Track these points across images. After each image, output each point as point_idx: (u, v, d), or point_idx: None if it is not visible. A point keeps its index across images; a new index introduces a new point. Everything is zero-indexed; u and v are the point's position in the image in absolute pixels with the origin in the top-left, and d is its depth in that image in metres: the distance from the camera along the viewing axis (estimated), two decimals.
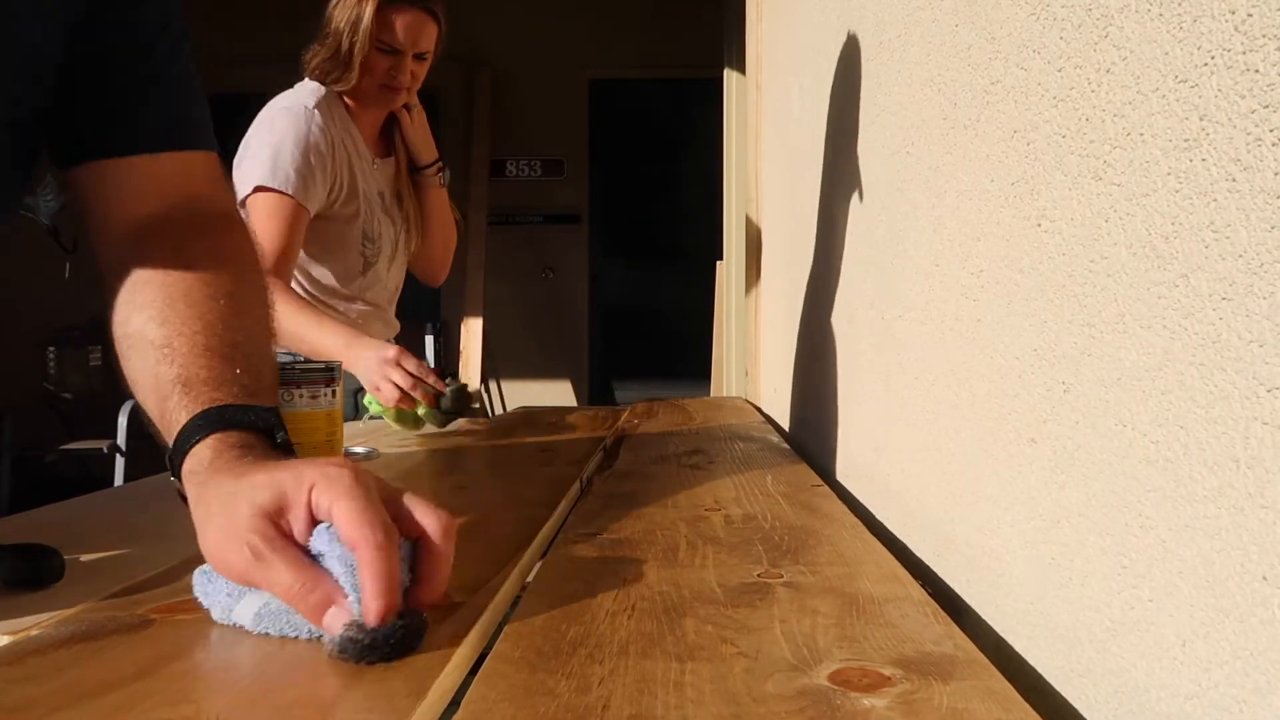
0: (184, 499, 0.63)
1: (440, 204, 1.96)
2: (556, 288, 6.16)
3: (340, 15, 1.74)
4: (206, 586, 0.61)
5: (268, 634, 0.57)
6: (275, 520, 0.56)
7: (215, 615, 0.60)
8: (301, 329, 1.59)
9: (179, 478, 0.64)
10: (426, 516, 0.58)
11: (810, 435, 1.64)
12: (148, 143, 0.82)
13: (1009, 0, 0.72)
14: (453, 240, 2.02)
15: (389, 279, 1.91)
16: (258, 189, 1.66)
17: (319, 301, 1.80)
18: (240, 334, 0.73)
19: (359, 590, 0.53)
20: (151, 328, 0.72)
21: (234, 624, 0.58)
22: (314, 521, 0.56)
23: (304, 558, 0.55)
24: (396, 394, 1.52)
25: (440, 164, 1.95)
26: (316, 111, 1.73)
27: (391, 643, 0.53)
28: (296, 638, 0.56)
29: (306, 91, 1.77)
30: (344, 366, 1.45)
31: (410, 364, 1.53)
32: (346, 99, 1.81)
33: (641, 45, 6.01)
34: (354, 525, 0.54)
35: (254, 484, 0.57)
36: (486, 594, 0.66)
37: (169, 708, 0.47)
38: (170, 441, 0.66)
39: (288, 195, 1.66)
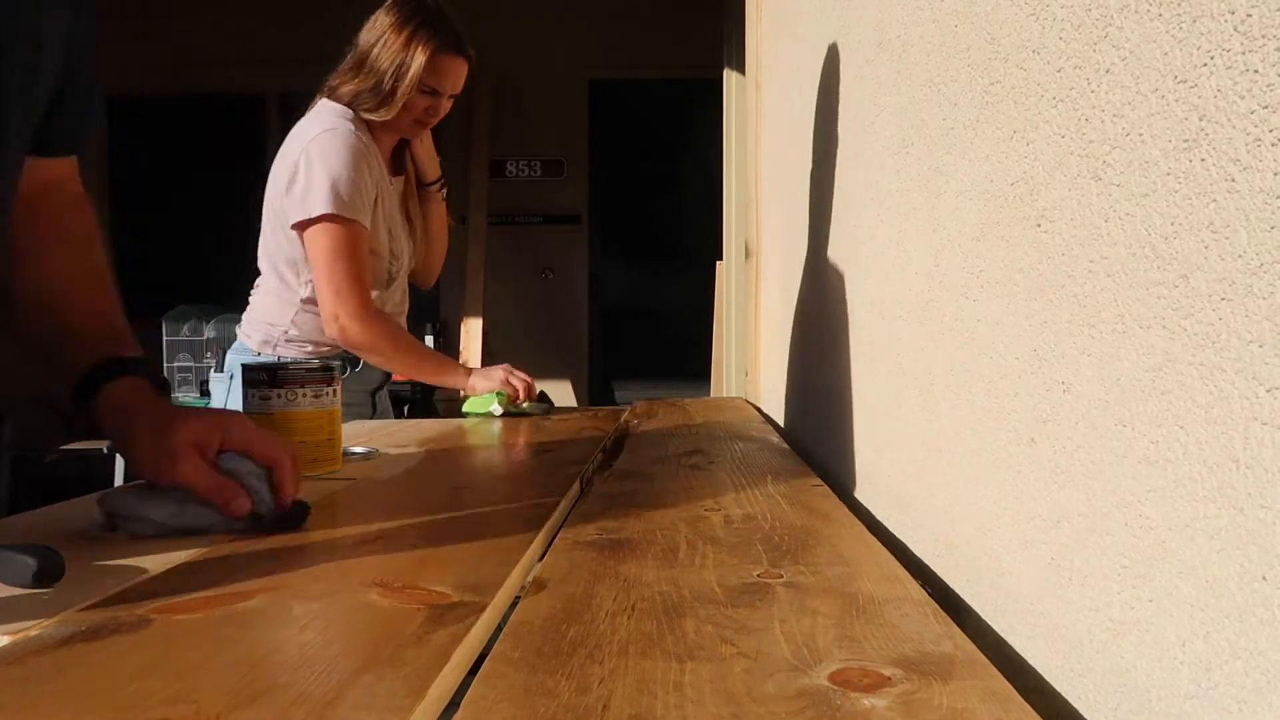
0: (59, 414, 0.94)
1: (440, 216, 2.08)
2: (556, 288, 6.16)
3: (384, 56, 1.79)
4: (128, 504, 0.86)
5: (183, 526, 0.84)
6: (200, 449, 0.85)
7: (129, 527, 0.85)
8: (432, 368, 1.98)
9: (79, 402, 0.92)
10: (284, 449, 0.88)
11: (810, 436, 1.64)
12: (63, 149, 1.01)
13: (1009, 1, 0.72)
14: (445, 247, 2.15)
15: (397, 291, 2.01)
16: (324, 218, 1.76)
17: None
18: (108, 299, 1.01)
19: (256, 493, 0.85)
20: (47, 291, 0.98)
21: (156, 523, 0.84)
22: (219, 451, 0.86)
23: (218, 473, 0.85)
24: (522, 387, 1.93)
25: (443, 180, 2.05)
26: (359, 136, 1.80)
27: (295, 517, 0.87)
28: (210, 529, 0.84)
29: (338, 114, 1.82)
30: (470, 387, 1.93)
31: (522, 373, 1.96)
32: (369, 122, 1.85)
33: (641, 45, 6.00)
34: (270, 449, 0.87)
35: (182, 424, 0.86)
36: (486, 594, 0.66)
37: (169, 707, 0.47)
38: (68, 374, 0.93)
39: (352, 220, 1.77)
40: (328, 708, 0.47)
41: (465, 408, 1.95)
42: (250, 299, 1.96)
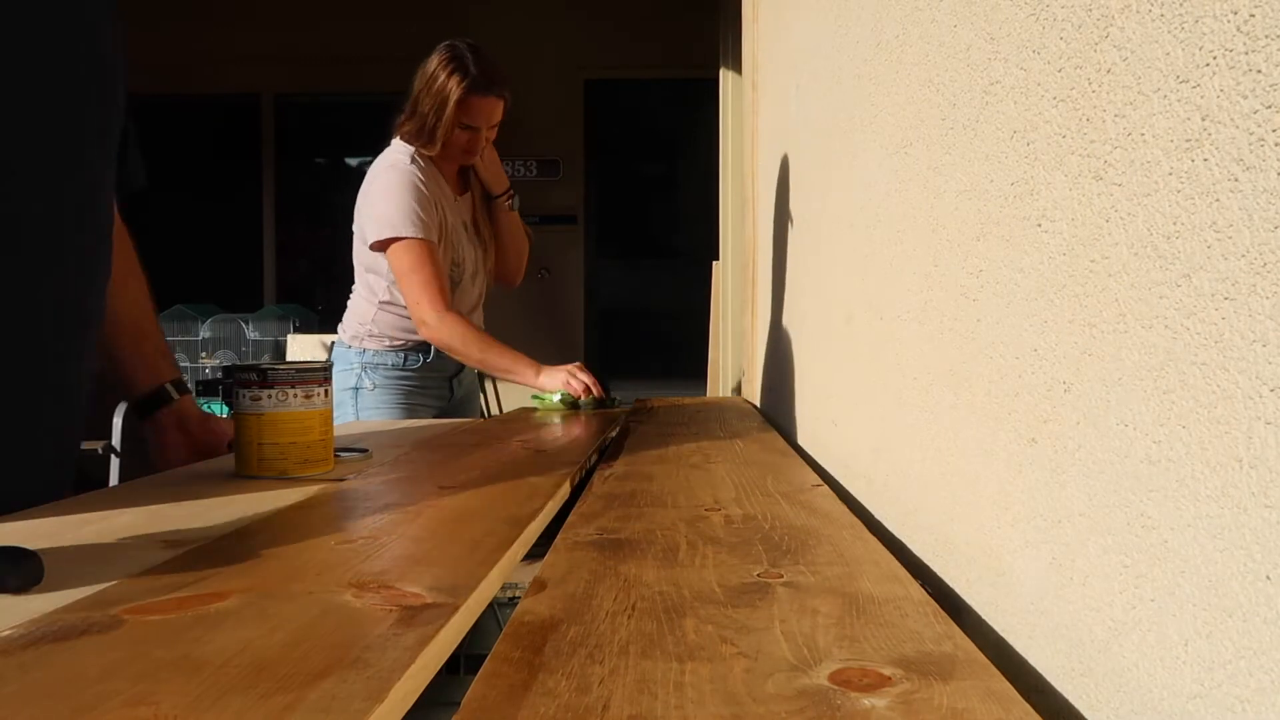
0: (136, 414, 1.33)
1: (512, 223, 2.36)
2: (552, 288, 6.17)
3: (426, 99, 2.11)
4: None
5: None
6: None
7: None
8: (504, 364, 2.16)
9: (146, 413, 1.33)
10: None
11: (807, 437, 1.64)
12: (123, 192, 1.19)
13: (1008, 1, 0.72)
14: (525, 250, 2.43)
15: (471, 291, 2.30)
16: (397, 239, 2.09)
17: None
18: (150, 322, 1.34)
19: None
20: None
21: None
22: None
23: None
24: (582, 388, 2.08)
25: (510, 191, 2.33)
26: (414, 166, 2.13)
27: None
28: None
29: (400, 150, 2.16)
30: (540, 385, 2.12)
31: (585, 375, 2.13)
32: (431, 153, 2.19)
33: (638, 45, 6.01)
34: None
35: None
36: (459, 596, 0.65)
37: (128, 708, 0.46)
38: (141, 386, 1.33)
39: (422, 239, 2.09)
40: (285, 710, 0.46)
41: (533, 401, 2.15)
42: (348, 301, 2.27)
